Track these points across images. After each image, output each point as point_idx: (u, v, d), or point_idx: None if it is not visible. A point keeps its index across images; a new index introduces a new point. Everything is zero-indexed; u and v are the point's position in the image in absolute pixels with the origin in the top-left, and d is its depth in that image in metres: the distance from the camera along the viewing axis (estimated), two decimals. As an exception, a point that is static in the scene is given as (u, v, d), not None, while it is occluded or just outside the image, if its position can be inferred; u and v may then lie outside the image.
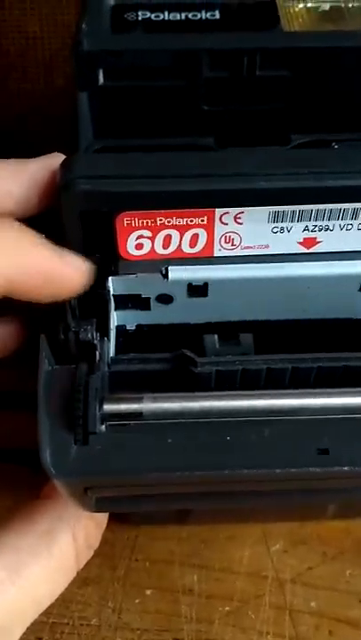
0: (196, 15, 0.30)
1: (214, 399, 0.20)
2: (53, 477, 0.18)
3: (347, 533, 0.34)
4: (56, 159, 0.23)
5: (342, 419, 0.20)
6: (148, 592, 0.31)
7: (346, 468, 0.18)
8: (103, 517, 0.25)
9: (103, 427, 0.19)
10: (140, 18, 0.30)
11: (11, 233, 0.20)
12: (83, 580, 0.31)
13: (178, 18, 0.30)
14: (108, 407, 0.19)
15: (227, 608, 0.31)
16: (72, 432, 0.18)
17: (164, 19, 0.30)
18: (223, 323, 0.25)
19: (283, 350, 0.23)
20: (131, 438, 0.19)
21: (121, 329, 0.25)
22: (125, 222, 0.22)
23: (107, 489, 0.19)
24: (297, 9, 0.30)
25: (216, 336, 0.24)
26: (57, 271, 0.21)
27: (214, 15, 0.30)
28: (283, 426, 0.19)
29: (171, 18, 0.30)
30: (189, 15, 0.30)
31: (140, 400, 0.20)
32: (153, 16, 0.30)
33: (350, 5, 0.30)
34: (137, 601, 0.31)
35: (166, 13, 0.30)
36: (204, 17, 0.30)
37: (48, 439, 0.18)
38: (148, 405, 0.20)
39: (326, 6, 0.30)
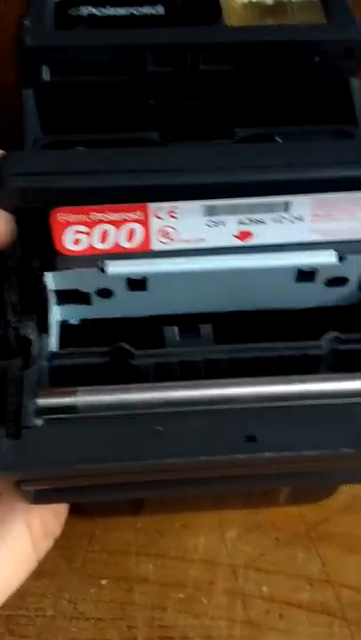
0: (140, 11, 0.30)
1: (147, 391, 0.20)
2: None
3: (300, 519, 0.34)
4: None
5: (271, 407, 0.20)
6: (104, 582, 0.32)
7: (271, 454, 0.18)
8: (62, 506, 0.25)
9: (40, 421, 0.20)
10: (83, 13, 0.30)
11: None
12: (39, 572, 0.31)
13: (122, 13, 0.30)
14: (41, 401, 0.20)
15: (180, 595, 0.31)
16: (4, 427, 0.19)
17: (108, 14, 0.30)
18: (167, 315, 0.25)
19: (226, 341, 0.24)
20: (63, 432, 0.19)
21: (65, 324, 0.25)
22: (60, 218, 0.22)
23: (37, 482, 0.20)
24: (240, 3, 0.31)
25: (176, 328, 0.25)
26: None
27: (158, 10, 0.30)
28: (213, 415, 0.20)
29: (114, 13, 0.30)
30: (133, 11, 0.30)
31: (73, 393, 0.20)
32: (97, 11, 0.30)
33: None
34: (93, 591, 0.31)
35: (110, 8, 0.30)
36: (148, 12, 0.30)
37: None
38: (82, 398, 0.20)
39: (270, 0, 0.31)
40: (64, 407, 0.20)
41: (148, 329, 0.25)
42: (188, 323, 0.25)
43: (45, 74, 0.29)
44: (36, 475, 0.19)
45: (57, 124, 0.30)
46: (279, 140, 0.30)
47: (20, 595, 0.31)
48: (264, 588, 0.32)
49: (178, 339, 0.25)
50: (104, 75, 0.29)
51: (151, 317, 0.25)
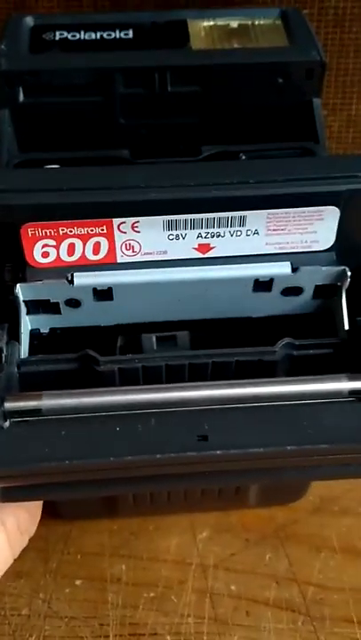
0: (110, 35, 0.32)
1: (107, 394, 0.21)
2: None
3: (270, 520, 0.36)
4: None
5: (224, 408, 0.21)
6: (78, 582, 0.33)
7: (219, 452, 0.20)
8: (36, 505, 0.26)
9: (6, 423, 0.21)
10: (57, 38, 0.31)
11: None
12: (16, 573, 0.33)
13: (93, 37, 0.32)
14: (8, 405, 0.21)
15: (151, 594, 0.32)
16: None
17: (80, 38, 0.31)
18: (132, 324, 0.26)
19: (194, 347, 0.25)
20: (27, 432, 0.20)
21: (35, 332, 0.26)
22: (30, 232, 0.23)
23: (4, 480, 0.21)
24: (206, 27, 0.32)
25: (154, 337, 0.26)
26: None
27: (128, 34, 0.32)
28: (169, 416, 0.21)
29: (87, 37, 0.32)
30: (104, 35, 0.32)
31: (39, 397, 0.21)
32: (70, 36, 0.31)
33: (256, 23, 0.32)
34: (67, 591, 0.32)
35: (82, 33, 0.32)
36: (118, 36, 0.32)
37: None
38: (46, 402, 0.21)
39: (235, 24, 0.33)
40: (30, 410, 0.21)
41: (113, 338, 0.26)
42: (153, 331, 0.26)
43: (20, 95, 0.30)
44: (3, 472, 0.20)
45: (32, 142, 0.31)
46: (244, 158, 0.31)
47: (-3, 595, 0.32)
48: (232, 587, 0.33)
49: (155, 347, 0.26)
50: (76, 96, 0.30)
51: (118, 326, 0.26)
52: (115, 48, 0.31)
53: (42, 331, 0.26)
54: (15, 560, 0.32)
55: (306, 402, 0.22)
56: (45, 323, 0.26)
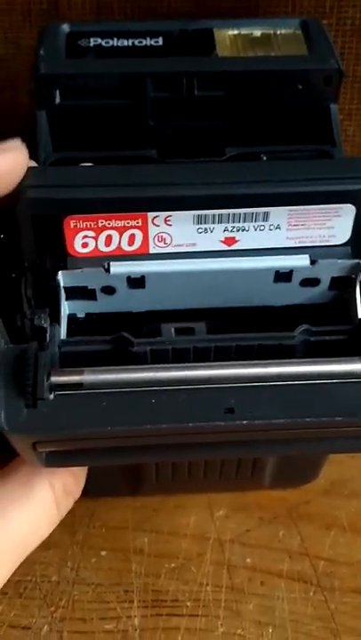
0: (141, 42, 0.34)
1: (142, 371, 0.23)
2: (7, 433, 0.22)
3: (282, 501, 0.38)
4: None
5: (249, 386, 0.23)
6: (103, 553, 0.35)
7: (245, 422, 0.22)
8: (81, 470, 0.27)
9: (51, 395, 0.23)
10: (91, 44, 0.34)
11: None
12: (45, 544, 0.34)
13: (126, 44, 0.34)
14: (53, 379, 0.23)
15: (172, 565, 0.34)
16: (23, 398, 0.22)
17: (113, 45, 0.34)
18: (162, 310, 0.28)
19: (216, 332, 0.27)
20: (72, 403, 0.22)
21: (72, 317, 0.28)
22: (72, 224, 0.25)
23: (51, 443, 0.23)
24: (231, 35, 0.34)
25: (173, 328, 0.28)
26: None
27: (158, 42, 0.34)
28: (199, 392, 0.23)
29: (119, 44, 0.34)
30: (136, 42, 0.34)
31: (81, 373, 0.23)
32: (103, 42, 0.34)
33: (278, 32, 0.35)
34: (93, 560, 0.35)
35: (115, 40, 0.34)
36: (148, 43, 0.34)
37: (4, 403, 0.22)
38: (88, 377, 0.23)
39: (258, 33, 0.35)
40: (72, 384, 0.23)
41: (143, 323, 0.28)
42: (181, 317, 0.28)
43: (57, 98, 0.32)
44: (49, 437, 0.22)
45: (66, 142, 0.33)
46: (265, 159, 0.33)
47: (28, 564, 0.34)
48: (248, 560, 0.35)
49: (173, 336, 0.28)
50: (109, 98, 0.32)
51: (148, 313, 0.28)
52: (145, 54, 0.33)
53: (78, 315, 0.28)
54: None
55: (323, 381, 0.24)
56: (82, 308, 0.28)
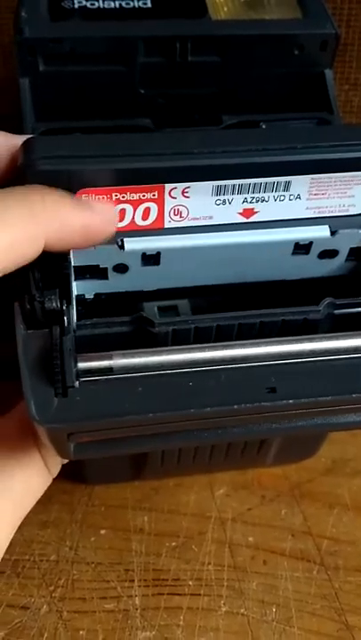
0: (129, 3, 0.32)
1: (175, 353, 0.22)
2: (39, 425, 0.20)
3: (284, 479, 0.37)
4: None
5: (285, 363, 0.22)
6: (103, 532, 0.34)
7: (291, 401, 0.21)
8: None
9: (77, 383, 0.21)
10: (76, 5, 0.32)
11: (53, 196, 0.22)
12: (42, 522, 0.35)
13: (112, 5, 0.32)
14: (81, 365, 0.22)
15: (173, 543, 0.34)
16: (52, 387, 0.20)
17: (99, 6, 0.32)
18: (172, 289, 0.27)
19: (231, 309, 0.26)
20: (104, 389, 0.21)
21: (80, 298, 0.27)
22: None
23: (87, 433, 0.22)
24: (223, -2, 0.33)
25: (155, 307, 0.27)
26: (93, 223, 0.23)
27: (146, 3, 0.32)
28: (236, 372, 0.22)
29: (105, 5, 0.32)
30: (123, 3, 0.32)
31: (110, 357, 0.22)
32: (89, 4, 0.32)
33: (271, -5, 0.33)
34: (92, 539, 0.34)
35: (101, 1, 0.32)
36: (136, 5, 0.32)
37: (32, 394, 0.20)
38: (118, 361, 0.22)
39: (250, -5, 0.33)
40: (102, 369, 0.22)
41: (141, 303, 0.27)
42: (196, 295, 0.27)
43: (41, 64, 0.31)
44: (87, 427, 0.21)
45: (51, 111, 0.32)
46: (263, 127, 0.32)
47: (26, 542, 0.34)
48: (250, 538, 0.34)
49: (157, 317, 0.26)
50: (97, 64, 0.31)
51: (159, 291, 0.27)
52: (134, 17, 0.32)
53: (87, 296, 0.27)
54: (40, 511, 0.34)
55: (358, 355, 0.23)
56: (91, 288, 0.26)
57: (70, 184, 0.23)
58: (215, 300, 0.28)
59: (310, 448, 0.37)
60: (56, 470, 0.24)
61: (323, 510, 0.36)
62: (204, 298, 0.28)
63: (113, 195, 0.24)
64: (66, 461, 0.24)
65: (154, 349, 0.23)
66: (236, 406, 0.21)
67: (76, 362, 0.21)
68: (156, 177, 0.24)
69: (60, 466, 0.24)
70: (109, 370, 0.22)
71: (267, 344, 0.23)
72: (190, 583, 0.32)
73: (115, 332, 0.24)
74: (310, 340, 0.23)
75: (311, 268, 0.27)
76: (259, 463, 0.37)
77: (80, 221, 0.23)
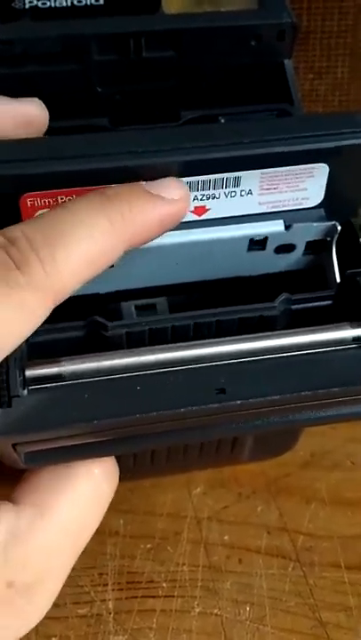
0: (81, 1, 0.32)
1: (126, 356, 0.22)
2: None
3: (261, 475, 0.37)
4: None
5: (237, 363, 0.22)
6: (78, 536, 0.34)
7: (239, 402, 0.21)
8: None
9: (25, 391, 0.21)
10: (27, 6, 0.31)
11: (130, 202, 0.22)
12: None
13: (64, 4, 0.31)
14: (30, 372, 0.21)
15: (148, 545, 0.34)
16: None
17: (50, 6, 0.31)
18: (132, 290, 0.27)
19: (209, 307, 0.25)
20: (50, 397, 0.21)
21: None
22: (29, 203, 0.23)
23: (32, 444, 0.21)
24: (178, -9, 0.32)
25: (133, 306, 0.26)
26: (169, 214, 0.23)
27: (99, 1, 0.32)
28: (187, 373, 0.22)
29: (57, 4, 0.31)
30: (75, 1, 0.32)
31: (59, 363, 0.22)
32: (40, 4, 0.31)
33: (227, -14, 0.32)
34: (67, 545, 0.34)
35: (53, 0, 0.32)
36: (89, 3, 0.32)
37: None
38: (68, 367, 0.22)
39: (206, -13, 0.33)
40: (51, 376, 0.22)
41: (98, 306, 0.26)
42: (152, 296, 0.27)
43: (-7, 66, 0.30)
44: (29, 438, 0.21)
45: None
46: (223, 121, 0.31)
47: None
48: (225, 537, 0.34)
49: (135, 316, 0.26)
50: (51, 65, 0.30)
51: (115, 293, 0.27)
52: (86, 15, 0.31)
53: None
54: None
55: (313, 351, 0.23)
56: None
57: (12, 189, 0.23)
58: (194, 297, 0.27)
59: (287, 442, 0.37)
60: (108, 496, 0.24)
61: (299, 505, 0.36)
62: (180, 296, 0.27)
63: (59, 198, 0.23)
64: None
65: (104, 353, 0.22)
66: (183, 409, 0.21)
67: (23, 370, 0.21)
68: (101, 178, 0.23)
69: (112, 490, 0.24)
70: (59, 376, 0.22)
71: (218, 344, 0.23)
72: (164, 585, 0.32)
73: (70, 337, 0.24)
74: (263, 338, 0.23)
75: (269, 263, 0.27)
76: (235, 460, 0.37)
77: (157, 218, 0.22)
